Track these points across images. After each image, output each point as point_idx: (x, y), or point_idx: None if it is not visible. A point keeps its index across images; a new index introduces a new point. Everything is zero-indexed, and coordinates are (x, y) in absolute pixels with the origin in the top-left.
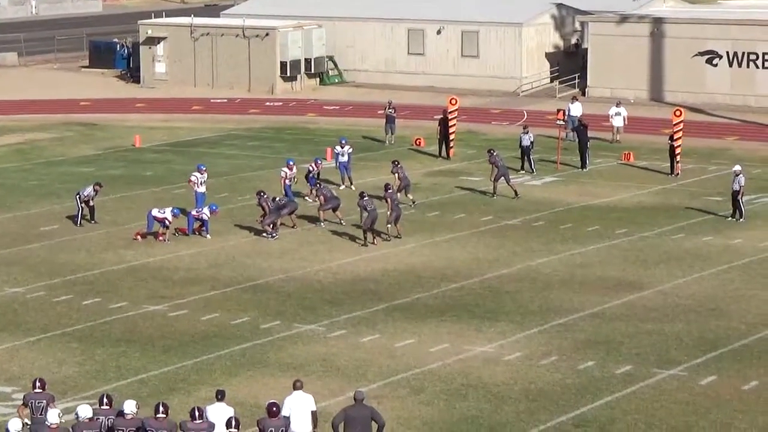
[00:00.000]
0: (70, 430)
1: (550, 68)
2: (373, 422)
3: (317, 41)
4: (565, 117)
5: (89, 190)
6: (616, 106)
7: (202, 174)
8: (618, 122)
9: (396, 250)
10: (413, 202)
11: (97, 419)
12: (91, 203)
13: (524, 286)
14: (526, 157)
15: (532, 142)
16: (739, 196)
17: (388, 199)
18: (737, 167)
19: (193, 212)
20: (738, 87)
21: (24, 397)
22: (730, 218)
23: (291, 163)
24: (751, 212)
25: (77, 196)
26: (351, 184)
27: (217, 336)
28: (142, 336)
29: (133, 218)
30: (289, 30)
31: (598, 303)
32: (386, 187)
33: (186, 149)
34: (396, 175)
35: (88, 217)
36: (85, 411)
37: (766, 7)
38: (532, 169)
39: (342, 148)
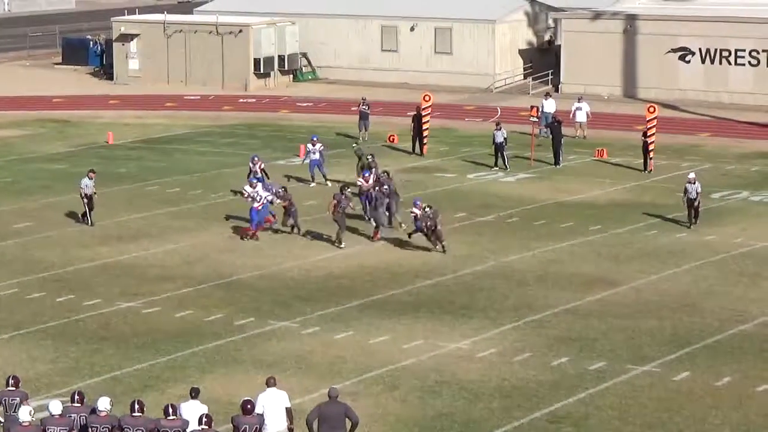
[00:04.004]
0: (41, 427)
1: (524, 65)
2: (347, 419)
3: (290, 38)
4: (539, 113)
5: (85, 181)
6: (578, 102)
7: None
8: (581, 117)
9: (370, 247)
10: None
11: (69, 416)
12: (94, 198)
13: (498, 282)
14: (499, 154)
15: (505, 139)
16: (697, 203)
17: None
18: (692, 174)
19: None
20: (711, 83)
21: None
22: (690, 226)
23: (256, 158)
24: (724, 209)
25: (80, 192)
26: (326, 181)
27: (191, 333)
28: (116, 333)
29: (106, 215)
30: (262, 27)
31: (572, 299)
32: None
33: (159, 146)
34: (373, 169)
35: (85, 214)
36: (55, 407)
37: (739, 4)
38: (506, 166)
39: (314, 146)
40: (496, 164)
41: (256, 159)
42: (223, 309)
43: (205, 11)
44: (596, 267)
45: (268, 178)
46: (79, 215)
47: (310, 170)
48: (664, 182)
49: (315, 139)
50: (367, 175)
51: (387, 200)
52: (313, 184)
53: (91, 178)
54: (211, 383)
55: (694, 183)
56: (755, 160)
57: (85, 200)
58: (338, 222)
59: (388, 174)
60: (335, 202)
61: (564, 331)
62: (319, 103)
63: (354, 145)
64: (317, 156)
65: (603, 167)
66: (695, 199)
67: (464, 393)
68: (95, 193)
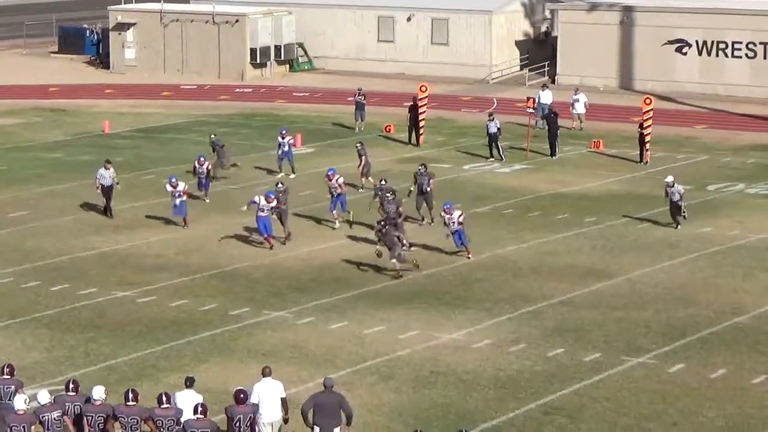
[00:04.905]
0: (36, 415)
1: (520, 56)
2: (341, 411)
3: (287, 28)
4: (535, 105)
5: (100, 171)
6: (575, 93)
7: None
8: (579, 109)
9: (365, 237)
10: (385, 181)
11: (62, 403)
12: (115, 188)
13: (493, 273)
14: (494, 144)
15: (499, 129)
16: (681, 204)
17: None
18: (670, 178)
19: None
20: (707, 76)
21: None
22: (677, 227)
23: (202, 158)
24: (719, 201)
25: (96, 184)
26: (293, 172)
27: (186, 322)
28: (111, 322)
29: (101, 203)
30: (258, 16)
31: (567, 291)
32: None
33: (155, 135)
34: (362, 157)
35: (106, 207)
36: (44, 396)
37: None
38: (501, 156)
39: (283, 139)
40: (491, 155)
41: (202, 159)
42: (219, 299)
43: (202, 1)
44: (591, 258)
45: (213, 180)
46: (102, 208)
47: (279, 162)
48: (660, 174)
49: (284, 132)
50: (331, 173)
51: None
52: (280, 175)
53: (107, 169)
54: (206, 373)
55: (674, 186)
56: (751, 153)
57: (100, 192)
58: (386, 242)
59: (425, 167)
60: (378, 201)
61: (559, 322)
62: (315, 93)
63: (358, 145)
64: (287, 148)
65: (599, 158)
66: (679, 201)
67: (459, 384)
68: (117, 183)
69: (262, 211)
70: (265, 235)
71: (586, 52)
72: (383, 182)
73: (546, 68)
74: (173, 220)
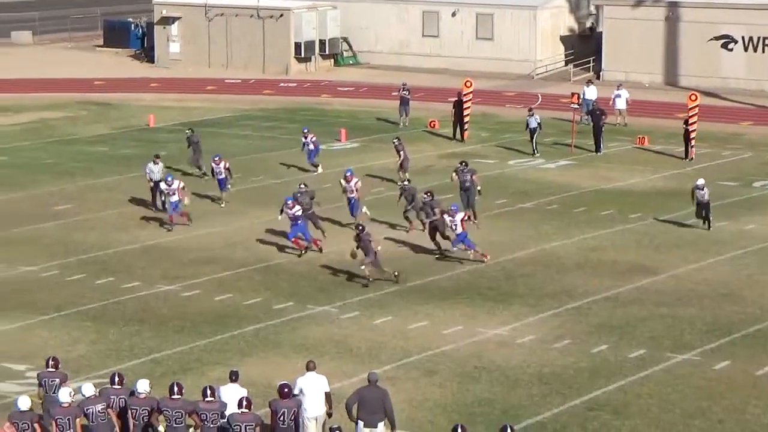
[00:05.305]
0: (81, 407)
1: (565, 51)
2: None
3: (332, 22)
4: (580, 100)
5: (150, 166)
6: (617, 89)
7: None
8: (620, 104)
9: (409, 233)
10: (408, 181)
11: (107, 396)
12: (160, 185)
13: (538, 269)
14: (532, 139)
15: (539, 124)
16: (707, 207)
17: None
18: (701, 180)
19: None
20: (753, 72)
21: (37, 375)
22: (707, 229)
23: (218, 158)
24: (765, 198)
25: (147, 178)
26: (317, 169)
27: (231, 316)
28: (156, 316)
29: (146, 197)
30: (303, 11)
31: (612, 287)
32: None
33: (200, 129)
34: (400, 152)
35: (157, 200)
36: (88, 389)
37: None
38: (533, 152)
39: (306, 138)
40: (536, 151)
41: (217, 159)
42: (263, 293)
43: None
44: (636, 255)
45: (231, 177)
46: (150, 203)
47: (310, 159)
48: (706, 170)
49: (306, 131)
50: (349, 175)
51: (465, 192)
52: (319, 171)
53: (156, 164)
54: (250, 367)
55: (703, 189)
56: None
57: (152, 185)
58: (362, 247)
59: (466, 164)
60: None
61: (604, 319)
62: (360, 87)
63: (395, 141)
64: (312, 147)
65: (644, 155)
66: (708, 203)
67: (503, 379)
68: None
69: (292, 218)
70: (292, 239)
71: (632, 48)
72: (407, 183)
73: (591, 64)
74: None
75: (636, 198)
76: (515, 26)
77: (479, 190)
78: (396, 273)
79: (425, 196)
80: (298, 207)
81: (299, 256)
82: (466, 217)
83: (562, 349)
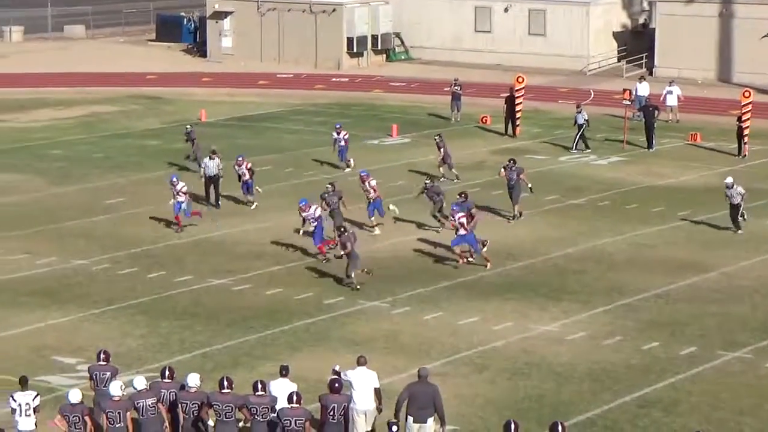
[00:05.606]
0: (131, 401)
1: (618, 47)
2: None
3: (384, 17)
4: (632, 97)
5: (206, 161)
6: (670, 85)
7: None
8: (672, 101)
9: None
10: (456, 177)
11: (157, 390)
12: (217, 181)
13: (589, 265)
14: (579, 134)
15: (586, 120)
16: (742, 205)
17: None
18: (729, 179)
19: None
20: None
21: (88, 368)
22: (738, 231)
23: (240, 158)
24: None
25: (202, 173)
26: (348, 167)
27: (281, 311)
28: (207, 310)
29: (199, 192)
30: (355, 6)
31: (663, 284)
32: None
33: (251, 124)
34: (441, 149)
35: (212, 197)
36: (140, 382)
37: None
38: (573, 147)
39: (338, 134)
40: (587, 147)
41: (240, 159)
42: (313, 288)
43: None
44: (687, 252)
45: (252, 178)
46: (203, 197)
47: (342, 156)
48: (758, 168)
49: (339, 126)
50: (364, 175)
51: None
52: (348, 170)
53: (212, 159)
54: (301, 361)
55: (733, 188)
56: None
57: (206, 180)
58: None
59: (515, 162)
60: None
61: (655, 316)
62: (412, 83)
63: (436, 137)
64: (343, 143)
65: (696, 151)
66: (739, 205)
67: (553, 375)
68: (221, 174)
69: (313, 219)
70: (318, 245)
71: (685, 45)
72: (428, 182)
73: (643, 60)
74: (258, 210)
75: (687, 195)
76: (568, 22)
77: (530, 188)
78: (367, 269)
79: (458, 197)
80: (314, 207)
81: (325, 261)
82: (465, 217)
83: (613, 346)
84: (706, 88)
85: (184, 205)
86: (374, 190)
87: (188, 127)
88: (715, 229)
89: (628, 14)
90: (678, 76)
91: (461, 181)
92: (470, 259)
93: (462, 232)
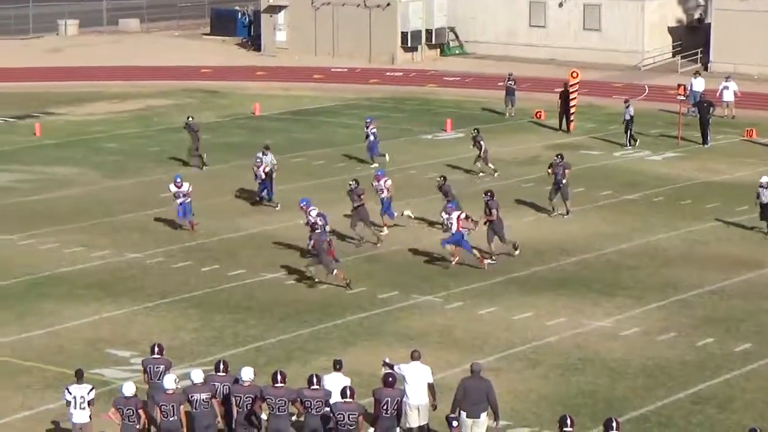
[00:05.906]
0: (185, 394)
1: (673, 43)
2: (487, 397)
3: (438, 12)
4: (687, 92)
5: (258, 156)
6: (726, 81)
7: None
8: (728, 96)
9: (513, 223)
10: (494, 171)
11: (212, 384)
12: (274, 174)
13: (643, 261)
14: (627, 130)
15: (632, 116)
16: None
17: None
18: (765, 178)
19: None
20: None
21: (142, 361)
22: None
23: (259, 160)
24: None
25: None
26: (373, 162)
27: (335, 305)
28: (260, 303)
29: (251, 186)
30: (410, 0)
31: (718, 280)
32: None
33: (306, 118)
34: (479, 144)
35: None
36: (197, 376)
37: None
38: (627, 143)
39: (368, 128)
40: (629, 142)
41: (259, 161)
42: (367, 282)
43: None
44: (742, 248)
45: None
46: (257, 192)
47: (374, 152)
48: None
49: (369, 120)
50: (379, 174)
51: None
52: (374, 165)
53: (265, 154)
54: (354, 356)
55: (767, 187)
56: None
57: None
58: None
59: (562, 157)
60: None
61: (709, 312)
62: (466, 77)
63: (473, 131)
64: (372, 138)
65: (752, 147)
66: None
67: (607, 371)
68: (275, 169)
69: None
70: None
71: (740, 40)
72: (441, 178)
73: (699, 55)
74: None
75: (742, 191)
76: (623, 17)
77: (565, 183)
78: (347, 279)
79: (485, 195)
80: (312, 208)
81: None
82: (464, 216)
83: (667, 342)
84: (762, 84)
85: (189, 207)
86: (387, 190)
87: (189, 118)
88: None
89: (683, 9)
90: (733, 71)
91: (501, 177)
92: (457, 260)
93: (455, 230)
